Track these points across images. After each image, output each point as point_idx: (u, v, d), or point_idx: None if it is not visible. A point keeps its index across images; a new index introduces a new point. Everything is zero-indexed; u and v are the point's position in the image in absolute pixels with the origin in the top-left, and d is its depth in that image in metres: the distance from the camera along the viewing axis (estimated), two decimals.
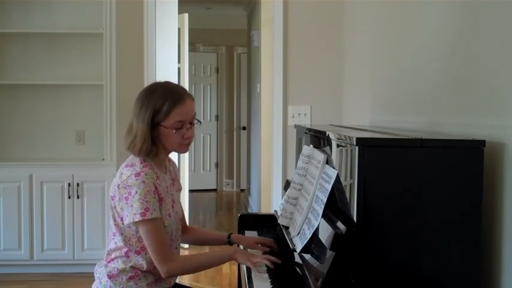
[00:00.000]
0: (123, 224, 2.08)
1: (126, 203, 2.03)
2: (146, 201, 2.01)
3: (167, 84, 2.17)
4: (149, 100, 2.07)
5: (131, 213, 2.01)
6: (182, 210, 2.35)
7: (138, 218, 2.00)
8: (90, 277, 2.24)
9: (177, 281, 2.36)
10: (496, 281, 1.70)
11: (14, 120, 4.80)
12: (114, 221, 2.11)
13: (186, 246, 4.97)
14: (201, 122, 2.20)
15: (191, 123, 2.13)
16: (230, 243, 2.41)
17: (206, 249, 4.67)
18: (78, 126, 4.85)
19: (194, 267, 2.20)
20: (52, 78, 4.73)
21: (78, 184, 4.42)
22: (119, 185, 2.06)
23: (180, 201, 2.31)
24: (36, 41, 4.75)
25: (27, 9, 4.71)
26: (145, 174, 2.04)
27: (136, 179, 2.02)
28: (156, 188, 2.06)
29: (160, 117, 2.06)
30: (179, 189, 2.33)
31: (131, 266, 2.10)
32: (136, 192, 2.01)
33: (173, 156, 4.69)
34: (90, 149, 4.81)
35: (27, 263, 4.44)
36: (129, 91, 4.34)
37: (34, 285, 4.24)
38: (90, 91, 4.73)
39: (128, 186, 2.03)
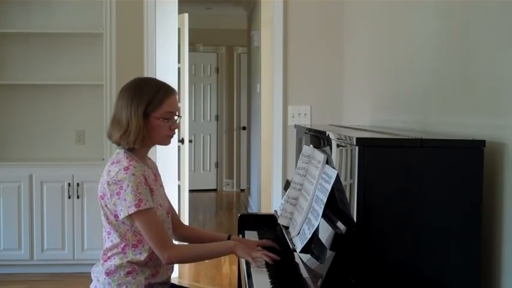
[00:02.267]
0: (116, 220, 2.10)
1: (119, 198, 2.05)
2: (139, 192, 2.04)
3: (153, 79, 2.32)
4: (141, 92, 2.14)
5: (125, 206, 2.03)
6: (172, 207, 2.37)
7: (132, 210, 2.02)
8: (90, 277, 2.24)
9: (176, 282, 2.36)
10: (496, 281, 1.70)
11: (14, 120, 4.80)
12: (107, 219, 2.13)
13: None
14: (181, 117, 2.26)
15: (176, 116, 2.21)
16: None
17: None
18: (78, 126, 4.85)
19: (194, 256, 2.24)
20: (52, 78, 4.73)
21: (78, 184, 4.42)
22: (108, 182, 2.07)
23: (167, 198, 2.33)
24: (36, 41, 4.75)
25: (27, 9, 4.71)
26: (134, 167, 2.07)
27: (126, 173, 2.05)
28: (145, 179, 2.09)
29: (152, 108, 2.13)
30: (161, 185, 2.34)
31: (128, 261, 2.11)
32: (128, 185, 2.03)
33: (173, 155, 4.71)
34: (90, 149, 4.81)
35: (27, 263, 4.44)
36: None
37: (34, 285, 4.25)
38: (90, 91, 4.73)
39: (119, 181, 2.05)
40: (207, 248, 2.23)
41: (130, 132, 2.10)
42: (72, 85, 4.75)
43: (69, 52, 4.77)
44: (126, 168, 2.06)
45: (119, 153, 2.16)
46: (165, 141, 2.22)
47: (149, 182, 2.12)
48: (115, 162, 2.12)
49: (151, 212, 2.06)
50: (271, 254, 2.12)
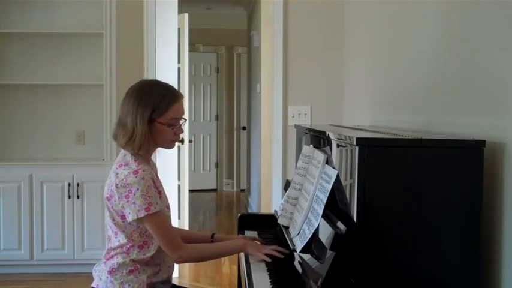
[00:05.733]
0: (123, 222, 2.10)
1: (127, 201, 2.05)
2: (148, 196, 2.04)
3: (160, 82, 2.25)
4: (147, 97, 2.12)
5: (134, 210, 2.04)
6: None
7: (142, 213, 2.03)
8: (90, 277, 2.24)
9: (177, 282, 2.36)
10: (496, 281, 1.70)
11: (14, 120, 4.80)
12: (113, 220, 2.13)
13: None
14: (186, 120, 2.26)
15: (182, 120, 2.20)
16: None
17: None
18: (78, 126, 4.85)
19: (204, 255, 2.27)
20: (52, 78, 4.73)
21: (78, 184, 4.42)
22: (116, 184, 2.07)
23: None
24: (36, 41, 4.75)
25: (27, 9, 4.71)
26: (143, 171, 2.07)
27: (136, 177, 2.05)
28: (154, 182, 2.10)
29: (158, 113, 2.11)
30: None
31: (131, 260, 2.12)
32: (138, 189, 2.03)
33: (173, 155, 4.71)
34: (90, 149, 4.81)
35: (27, 263, 4.44)
36: None
37: (34, 285, 4.24)
38: (90, 91, 4.73)
39: (128, 184, 2.05)
40: (217, 248, 2.27)
41: (136, 138, 2.09)
42: (72, 85, 4.75)
43: (69, 52, 4.77)
44: (136, 172, 2.06)
45: (126, 156, 2.14)
46: (169, 146, 2.23)
47: (157, 184, 2.14)
48: (123, 165, 2.11)
49: (161, 215, 2.08)
50: (281, 248, 2.16)
